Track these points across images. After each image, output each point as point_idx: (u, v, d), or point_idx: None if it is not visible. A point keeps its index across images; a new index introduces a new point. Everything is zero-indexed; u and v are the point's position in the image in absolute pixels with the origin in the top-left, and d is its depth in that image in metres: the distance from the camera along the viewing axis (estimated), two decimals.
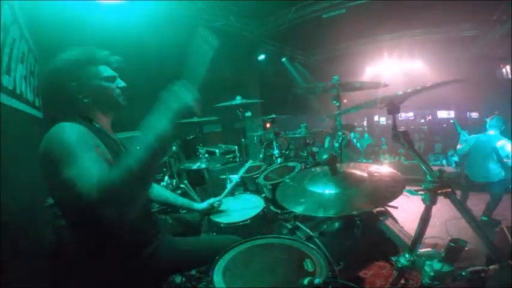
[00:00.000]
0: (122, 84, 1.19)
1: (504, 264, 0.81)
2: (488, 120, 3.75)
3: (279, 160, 2.93)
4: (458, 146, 4.02)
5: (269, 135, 3.52)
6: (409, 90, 0.92)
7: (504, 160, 3.48)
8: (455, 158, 5.95)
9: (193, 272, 1.44)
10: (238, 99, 3.03)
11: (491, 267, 0.82)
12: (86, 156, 0.89)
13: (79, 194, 0.82)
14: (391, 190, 1.08)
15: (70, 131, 0.95)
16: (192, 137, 3.48)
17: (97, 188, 0.79)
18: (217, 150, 3.83)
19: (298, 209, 1.11)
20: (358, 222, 1.63)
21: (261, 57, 6.98)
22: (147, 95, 1.19)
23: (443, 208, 1.02)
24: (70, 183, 0.85)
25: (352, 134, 7.47)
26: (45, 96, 1.13)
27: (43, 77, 1.11)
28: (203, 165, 2.34)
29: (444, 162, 6.54)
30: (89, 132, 1.00)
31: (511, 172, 3.52)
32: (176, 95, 0.92)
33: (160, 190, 1.66)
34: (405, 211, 3.01)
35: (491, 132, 3.64)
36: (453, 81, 0.94)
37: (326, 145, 5.70)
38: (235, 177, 2.26)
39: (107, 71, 1.15)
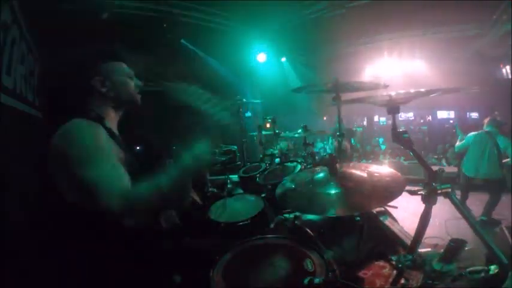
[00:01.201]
0: (139, 83, 1.20)
1: (504, 264, 0.81)
2: (486, 120, 3.77)
3: (278, 160, 2.93)
4: (457, 144, 4.02)
5: (269, 136, 3.52)
6: (412, 91, 0.92)
7: (503, 160, 3.48)
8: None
9: (193, 272, 1.44)
10: (238, 99, 3.03)
11: (491, 267, 0.82)
12: (105, 160, 0.91)
13: (97, 199, 0.84)
14: (391, 190, 1.08)
15: (89, 130, 0.95)
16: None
17: (121, 197, 0.84)
18: (217, 150, 3.83)
19: (298, 209, 1.11)
20: (358, 222, 1.63)
21: (261, 57, 6.97)
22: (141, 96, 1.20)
23: (443, 208, 1.02)
24: (88, 186, 0.86)
25: (352, 141, 7.37)
26: (62, 88, 1.11)
27: (66, 67, 1.09)
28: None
29: (444, 162, 6.54)
30: (103, 134, 1.00)
31: (511, 172, 3.52)
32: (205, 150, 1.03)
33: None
34: (405, 211, 3.01)
35: (491, 129, 3.65)
36: (460, 89, 0.94)
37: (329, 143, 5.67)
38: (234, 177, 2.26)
39: (127, 68, 1.16)
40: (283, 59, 8.07)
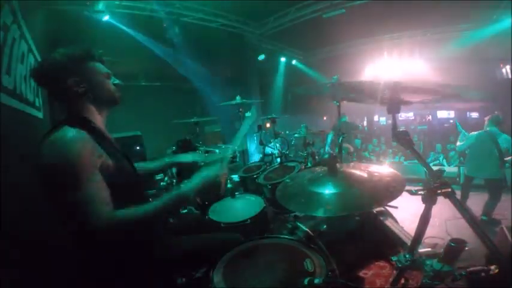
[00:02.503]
0: (117, 81, 1.22)
1: (504, 264, 0.81)
2: (486, 119, 3.76)
3: (279, 160, 2.93)
4: (458, 143, 4.02)
5: (269, 135, 3.52)
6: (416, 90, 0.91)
7: (505, 159, 3.47)
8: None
9: (193, 272, 1.44)
10: (238, 99, 3.03)
11: (491, 267, 0.82)
12: (90, 180, 0.93)
13: (84, 221, 0.88)
14: (391, 190, 1.08)
15: (73, 145, 0.95)
16: (192, 137, 3.48)
17: (106, 220, 0.89)
18: (217, 150, 3.83)
19: (298, 209, 1.11)
20: (358, 222, 1.63)
21: (261, 57, 6.98)
22: (141, 95, 1.21)
23: (443, 208, 1.01)
24: (74, 208, 0.90)
25: (357, 142, 7.31)
26: (45, 91, 1.16)
27: (41, 73, 1.10)
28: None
29: (444, 162, 6.54)
30: (90, 141, 1.00)
31: (511, 171, 3.52)
32: (209, 175, 1.17)
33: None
34: (405, 211, 3.01)
35: (492, 129, 3.65)
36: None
37: (328, 140, 5.66)
38: (234, 176, 2.25)
39: (104, 68, 1.18)
40: (283, 59, 8.08)
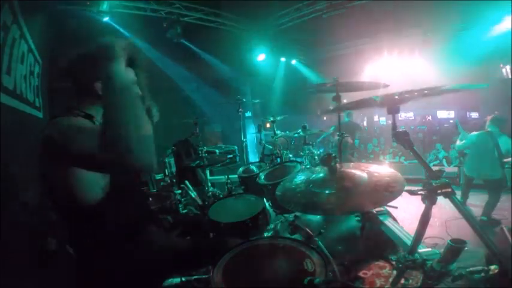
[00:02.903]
0: (139, 92, 1.16)
1: (504, 264, 0.81)
2: (487, 118, 3.76)
3: (278, 160, 2.93)
4: (458, 143, 4.02)
5: (268, 135, 3.52)
6: (416, 93, 0.91)
7: (504, 160, 3.48)
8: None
9: (193, 272, 1.44)
10: (238, 99, 3.03)
11: (491, 267, 0.82)
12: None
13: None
14: (391, 190, 1.08)
15: (74, 122, 0.97)
16: (191, 136, 3.48)
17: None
18: (217, 150, 3.84)
19: (298, 209, 1.11)
20: (358, 222, 1.63)
21: (261, 57, 6.97)
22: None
23: (443, 208, 1.02)
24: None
25: (356, 142, 7.29)
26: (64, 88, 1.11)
27: (73, 63, 1.07)
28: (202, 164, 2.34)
29: (444, 162, 6.54)
30: (92, 129, 1.00)
31: (510, 171, 3.52)
32: None
33: None
34: (405, 211, 3.00)
35: (493, 129, 3.64)
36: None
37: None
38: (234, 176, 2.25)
39: (131, 74, 1.11)
40: (283, 59, 8.07)
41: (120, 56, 0.95)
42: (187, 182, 2.61)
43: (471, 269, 0.82)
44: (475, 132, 3.79)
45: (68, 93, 1.11)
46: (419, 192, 0.94)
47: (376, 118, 10.34)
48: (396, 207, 1.69)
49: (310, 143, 3.05)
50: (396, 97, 0.95)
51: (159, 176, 3.79)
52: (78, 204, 0.97)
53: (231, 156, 4.03)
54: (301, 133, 3.00)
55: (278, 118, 3.24)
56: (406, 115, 9.11)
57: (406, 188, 1.06)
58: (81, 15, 3.83)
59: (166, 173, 3.46)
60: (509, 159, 3.46)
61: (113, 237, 1.05)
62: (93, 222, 1.01)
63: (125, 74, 0.98)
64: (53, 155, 0.94)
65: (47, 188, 1.03)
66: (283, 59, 8.06)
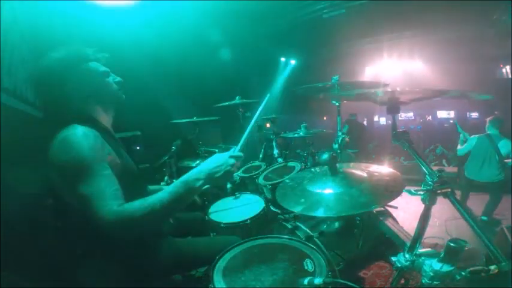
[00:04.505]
0: (118, 79, 1.20)
1: (504, 264, 0.81)
2: (487, 120, 3.76)
3: (279, 160, 2.93)
4: (459, 147, 4.02)
5: (268, 135, 3.52)
6: (415, 96, 0.91)
7: (505, 160, 3.48)
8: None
9: (193, 272, 1.44)
10: (238, 99, 3.03)
11: (491, 267, 0.82)
12: (101, 174, 0.92)
13: (94, 215, 0.86)
14: (391, 190, 1.08)
15: (84, 140, 0.95)
16: (191, 136, 3.49)
17: (114, 215, 0.86)
18: (217, 150, 3.84)
19: (298, 209, 1.11)
20: (358, 222, 1.64)
21: (261, 57, 6.98)
22: (141, 95, 1.20)
23: (443, 208, 1.02)
24: (85, 201, 0.89)
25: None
26: (42, 99, 1.13)
27: (37, 80, 1.08)
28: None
29: (444, 162, 6.54)
30: (100, 138, 1.01)
31: (511, 173, 3.52)
32: (221, 164, 1.06)
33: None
34: (405, 211, 3.01)
35: (492, 132, 3.65)
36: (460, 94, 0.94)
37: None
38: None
39: (101, 67, 1.15)
40: (283, 59, 8.08)
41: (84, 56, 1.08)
42: None
43: (471, 269, 0.82)
44: (475, 136, 3.80)
45: (51, 101, 1.10)
46: (419, 192, 0.94)
47: (376, 118, 10.34)
48: (396, 207, 1.70)
49: (311, 142, 3.04)
50: (398, 91, 0.95)
51: (158, 176, 3.78)
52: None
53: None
54: (301, 133, 3.00)
55: (278, 118, 3.24)
56: (406, 115, 9.10)
57: (406, 188, 1.06)
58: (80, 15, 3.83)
59: (166, 173, 3.46)
60: (509, 160, 3.46)
61: (112, 240, 1.05)
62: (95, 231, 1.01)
63: (96, 69, 1.11)
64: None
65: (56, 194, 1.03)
66: (283, 59, 8.07)
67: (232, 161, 1.08)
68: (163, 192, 0.97)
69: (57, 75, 1.03)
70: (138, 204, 0.92)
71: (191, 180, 1.00)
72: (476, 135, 3.78)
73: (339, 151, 2.33)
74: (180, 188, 0.98)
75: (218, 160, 1.07)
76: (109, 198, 0.89)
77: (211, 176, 1.03)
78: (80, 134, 0.96)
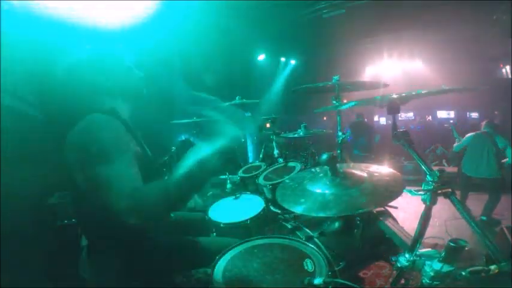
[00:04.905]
0: (140, 74, 1.25)
1: (504, 264, 0.81)
2: (482, 124, 3.82)
3: (279, 160, 2.93)
4: (456, 144, 4.06)
5: (268, 135, 3.52)
6: (413, 93, 0.92)
7: (502, 161, 3.50)
8: None
9: (193, 272, 1.44)
10: (238, 99, 3.03)
11: (491, 267, 0.82)
12: (122, 159, 0.92)
13: (109, 197, 0.85)
14: (391, 190, 1.08)
15: (107, 127, 0.98)
16: (192, 137, 3.48)
17: (130, 197, 0.84)
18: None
19: (298, 209, 1.11)
20: (358, 222, 1.64)
21: (261, 57, 6.98)
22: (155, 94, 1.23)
23: (443, 208, 1.02)
24: (102, 184, 0.87)
25: (376, 139, 7.11)
26: (68, 90, 1.14)
27: (71, 68, 1.11)
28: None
29: (444, 162, 6.54)
30: (122, 126, 1.03)
31: (511, 172, 3.53)
32: (233, 132, 0.96)
33: None
34: (405, 211, 3.01)
35: (488, 130, 3.69)
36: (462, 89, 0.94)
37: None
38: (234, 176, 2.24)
39: (126, 62, 1.21)
40: (283, 59, 8.08)
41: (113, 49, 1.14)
42: None
43: (471, 269, 0.82)
44: (471, 133, 3.83)
45: (78, 93, 1.13)
46: (419, 192, 0.94)
47: (376, 118, 10.34)
48: (396, 207, 1.70)
49: (311, 142, 3.05)
50: (396, 98, 0.95)
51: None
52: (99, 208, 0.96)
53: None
54: (301, 133, 3.00)
55: (278, 118, 3.24)
56: (406, 115, 9.11)
57: (406, 188, 1.06)
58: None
59: (167, 173, 3.46)
60: (507, 159, 3.48)
61: (114, 238, 1.05)
62: (103, 223, 1.02)
63: (121, 62, 1.17)
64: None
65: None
66: (283, 59, 8.07)
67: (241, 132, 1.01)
68: (176, 173, 0.89)
69: (92, 65, 1.10)
70: (152, 186, 0.90)
71: (206, 159, 0.91)
72: (472, 133, 3.82)
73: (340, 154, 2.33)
74: (194, 168, 0.89)
75: (230, 135, 0.97)
76: (128, 182, 0.88)
77: (226, 153, 0.94)
78: (102, 120, 0.99)
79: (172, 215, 1.60)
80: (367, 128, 6.78)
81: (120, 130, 1.01)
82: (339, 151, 2.32)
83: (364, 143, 6.34)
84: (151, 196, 0.86)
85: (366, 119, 7.21)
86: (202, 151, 0.92)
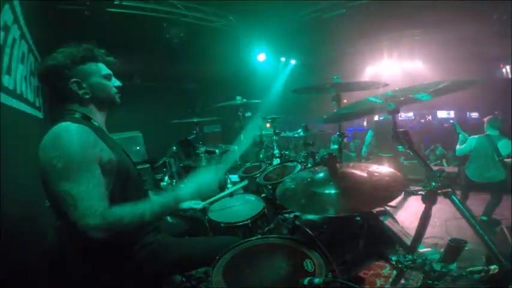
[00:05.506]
0: (118, 83, 1.23)
1: (504, 264, 0.81)
2: (485, 120, 3.74)
3: (279, 160, 2.93)
4: (458, 147, 3.99)
5: (268, 135, 3.52)
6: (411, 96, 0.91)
7: (505, 159, 3.47)
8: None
9: (193, 272, 1.44)
10: (238, 99, 3.03)
11: (491, 267, 0.82)
12: (90, 174, 0.92)
13: (76, 217, 0.85)
14: (391, 190, 1.08)
15: (75, 137, 0.95)
16: (191, 136, 3.48)
17: (100, 217, 0.86)
18: (217, 150, 3.85)
19: (298, 209, 1.11)
20: (358, 222, 1.63)
21: (261, 57, 6.97)
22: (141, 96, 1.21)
23: (443, 208, 1.02)
24: (68, 201, 0.87)
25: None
26: (45, 91, 1.17)
27: (43, 73, 1.11)
28: (203, 164, 2.34)
29: (444, 162, 6.53)
30: (93, 134, 1.01)
31: (511, 173, 3.51)
32: (209, 182, 1.21)
33: None
34: (405, 211, 3.01)
35: (491, 132, 3.63)
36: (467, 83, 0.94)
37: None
38: (234, 177, 2.24)
39: (105, 69, 1.18)
40: (283, 59, 8.08)
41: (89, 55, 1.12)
42: None
43: (471, 269, 0.82)
44: (474, 136, 3.77)
45: (51, 96, 1.16)
46: (419, 192, 0.94)
47: (376, 118, 10.33)
48: (396, 207, 1.69)
49: (311, 142, 3.04)
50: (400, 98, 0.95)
51: (158, 176, 3.78)
52: None
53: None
54: (302, 133, 3.00)
55: (278, 118, 3.24)
56: (406, 115, 9.10)
57: (406, 188, 1.06)
58: (80, 15, 3.83)
59: (167, 173, 3.47)
60: (510, 159, 3.44)
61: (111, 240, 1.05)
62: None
63: (98, 70, 1.14)
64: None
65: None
66: (283, 59, 8.07)
67: (218, 178, 1.26)
68: (154, 203, 1.05)
69: (64, 71, 1.07)
70: (128, 210, 0.94)
71: (182, 197, 1.13)
72: (476, 136, 3.75)
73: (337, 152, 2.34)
74: (170, 202, 1.09)
75: (210, 179, 1.21)
76: (96, 199, 0.89)
77: (201, 193, 1.19)
78: (72, 131, 0.96)
79: (168, 217, 1.61)
80: (391, 126, 6.64)
81: (90, 140, 0.98)
82: (336, 147, 2.32)
83: (387, 142, 6.09)
84: (126, 218, 0.92)
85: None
86: (181, 189, 1.14)
